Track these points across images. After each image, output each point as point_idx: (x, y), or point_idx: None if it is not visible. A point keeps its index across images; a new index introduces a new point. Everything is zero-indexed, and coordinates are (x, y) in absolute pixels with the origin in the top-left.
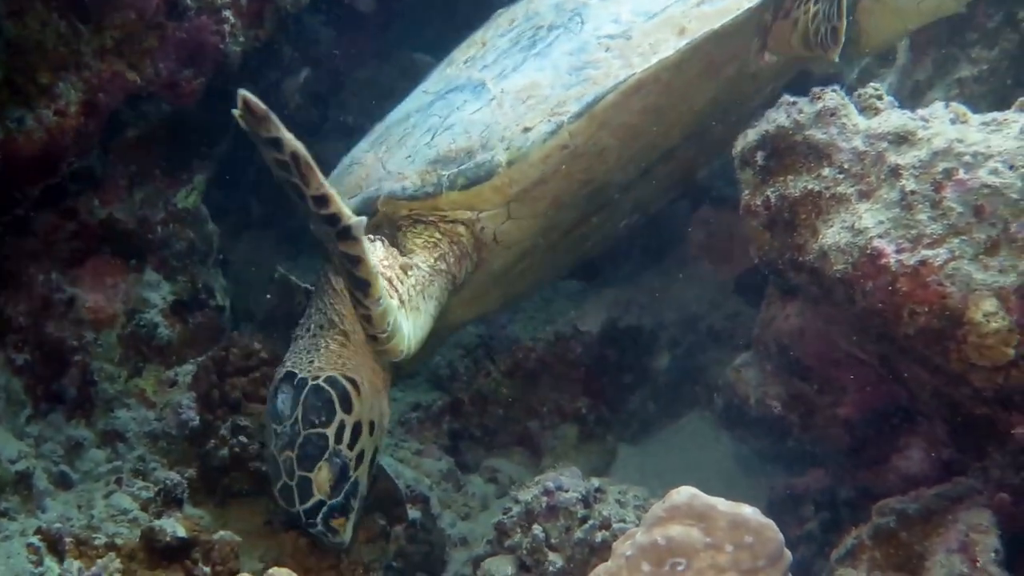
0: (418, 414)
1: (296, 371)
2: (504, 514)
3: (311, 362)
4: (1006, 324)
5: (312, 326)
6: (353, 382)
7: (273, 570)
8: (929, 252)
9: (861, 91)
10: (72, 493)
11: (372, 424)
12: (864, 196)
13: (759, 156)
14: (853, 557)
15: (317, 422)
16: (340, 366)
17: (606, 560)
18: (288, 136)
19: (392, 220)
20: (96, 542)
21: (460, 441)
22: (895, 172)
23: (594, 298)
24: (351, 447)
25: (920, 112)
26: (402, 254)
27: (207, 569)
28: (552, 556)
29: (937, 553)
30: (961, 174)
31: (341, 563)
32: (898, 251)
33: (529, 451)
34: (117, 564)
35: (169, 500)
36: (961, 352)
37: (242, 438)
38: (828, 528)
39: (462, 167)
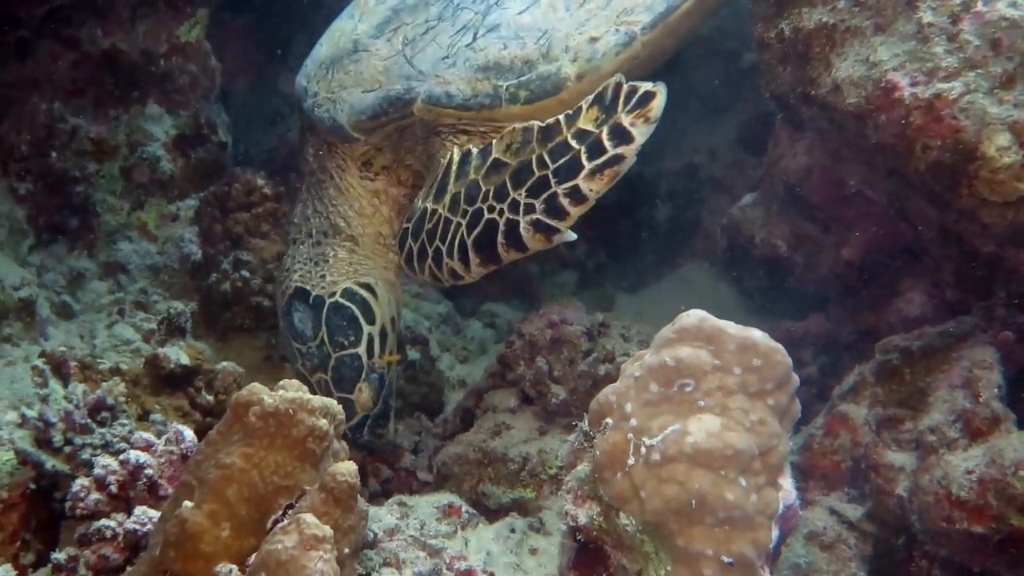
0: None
1: (308, 287)
2: (507, 347)
3: (322, 276)
4: (1019, 159)
5: (313, 231)
6: (368, 287)
7: (284, 381)
8: (944, 85)
9: None
10: (74, 323)
11: (393, 320)
12: (879, 29)
13: None
14: (855, 393)
15: (346, 343)
16: (352, 273)
17: None
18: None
19: (428, 125)
20: (101, 367)
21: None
22: (912, 4)
23: None
24: (381, 355)
25: None
26: (436, 161)
27: (210, 397)
28: (555, 388)
29: (940, 389)
30: (979, 6)
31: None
32: (912, 84)
33: (528, 297)
34: (122, 388)
35: (173, 329)
36: (972, 187)
37: (244, 272)
38: (827, 372)
39: (523, 78)
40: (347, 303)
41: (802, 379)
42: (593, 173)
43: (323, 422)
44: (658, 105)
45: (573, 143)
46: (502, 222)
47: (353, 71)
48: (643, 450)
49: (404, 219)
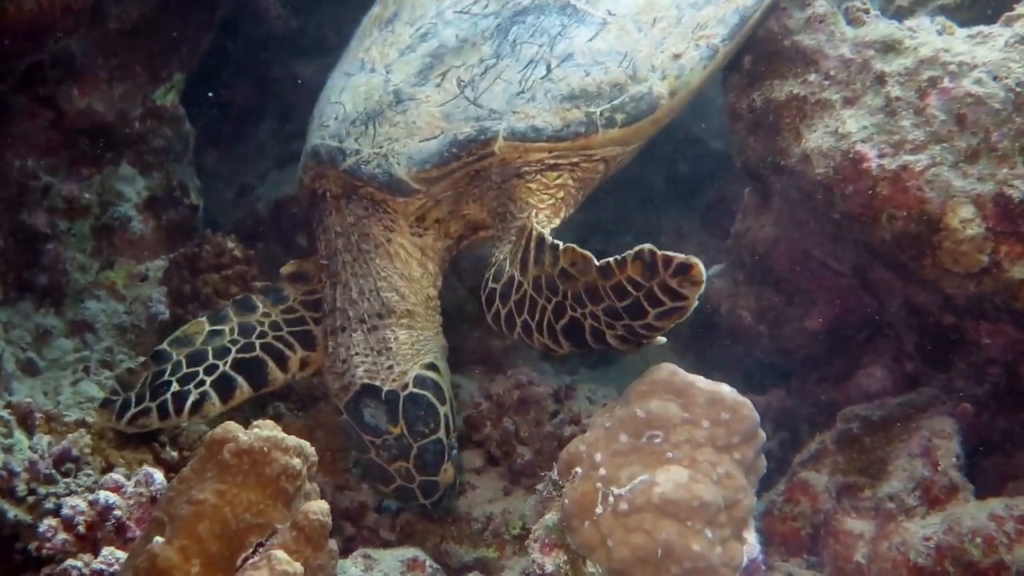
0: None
1: (377, 383)
2: (474, 408)
3: (389, 368)
4: (981, 231)
5: (365, 316)
6: (433, 367)
7: (258, 421)
8: (910, 157)
9: (848, 3)
10: (39, 379)
11: (451, 387)
12: (849, 102)
13: (746, 59)
14: (816, 461)
15: (427, 431)
16: (415, 355)
17: None
18: None
19: (509, 165)
20: (66, 419)
21: None
22: (880, 79)
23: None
24: (454, 429)
25: (907, 23)
26: (517, 206)
27: (174, 453)
28: (521, 449)
29: (900, 457)
30: (946, 83)
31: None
32: (880, 156)
33: (491, 369)
34: (87, 440)
35: None
36: (936, 258)
37: None
38: (787, 446)
39: (615, 102)
40: (421, 392)
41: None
42: (659, 317)
43: (296, 461)
44: (700, 272)
45: (629, 288)
46: (587, 326)
47: (402, 122)
48: (611, 499)
49: (487, 277)
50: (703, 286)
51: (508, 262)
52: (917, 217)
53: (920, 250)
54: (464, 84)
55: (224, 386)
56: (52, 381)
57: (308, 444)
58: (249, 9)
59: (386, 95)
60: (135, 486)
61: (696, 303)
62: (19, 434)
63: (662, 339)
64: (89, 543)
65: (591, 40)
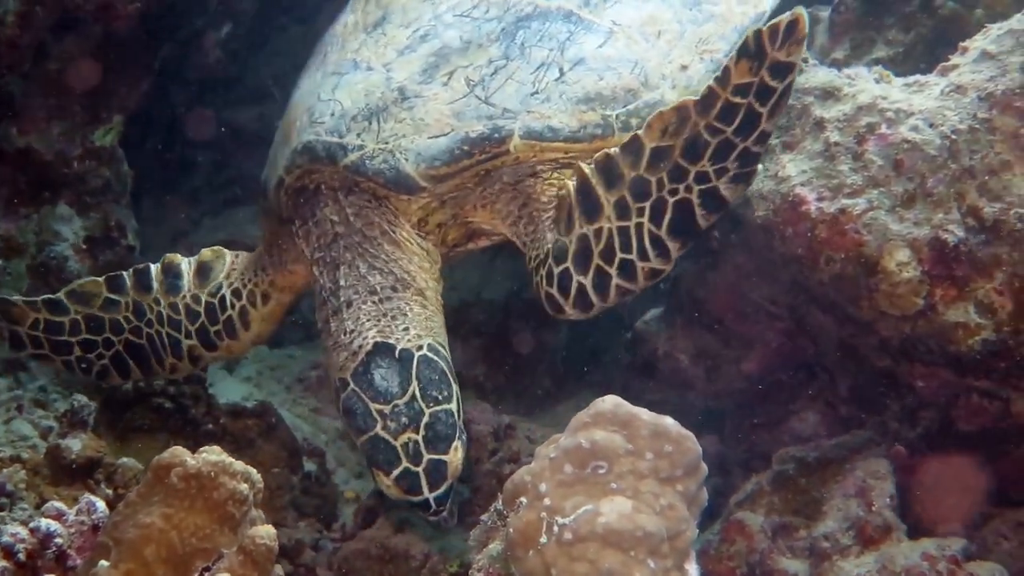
0: (318, 372)
1: (391, 341)
2: None
3: (405, 329)
4: (917, 274)
5: (377, 287)
6: (446, 348)
7: (205, 447)
8: (848, 201)
9: None
10: None
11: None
12: (788, 147)
13: None
14: (752, 501)
15: (440, 397)
16: (430, 330)
17: None
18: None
19: (523, 165)
20: (1, 455)
21: None
22: (820, 125)
23: (499, 266)
24: (460, 420)
25: (846, 71)
26: (543, 203)
27: (109, 491)
28: (459, 487)
29: (834, 497)
30: (883, 129)
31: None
32: (819, 199)
33: None
34: (22, 475)
35: (75, 422)
36: (872, 300)
37: None
38: (719, 491)
39: (630, 107)
40: (436, 358)
41: None
42: (772, 112)
43: (244, 486)
44: (803, 25)
45: (737, 99)
46: (695, 197)
47: (409, 118)
48: (556, 529)
49: (536, 262)
50: (804, 44)
51: (558, 234)
52: (855, 259)
53: (857, 292)
54: (474, 83)
55: (120, 366)
56: None
57: (254, 471)
58: (189, 54)
59: (390, 92)
60: (77, 514)
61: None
62: None
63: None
64: (29, 571)
65: (601, 47)
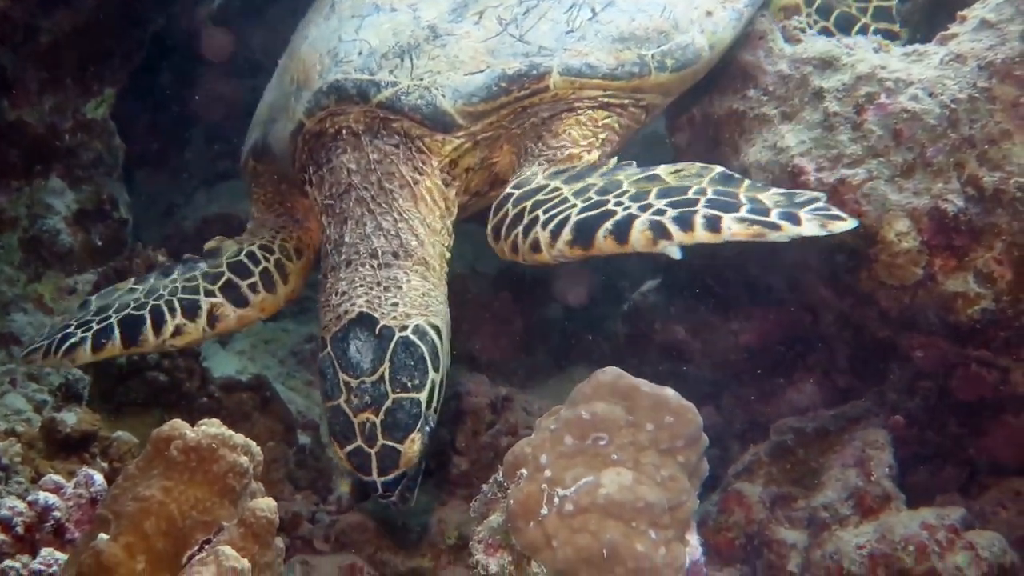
0: (312, 345)
1: (376, 315)
2: None
3: (394, 304)
4: (916, 244)
5: (378, 251)
6: (437, 330)
7: (205, 420)
8: (848, 171)
9: (785, 23)
10: None
11: (447, 371)
12: (787, 117)
13: None
14: (750, 472)
15: (410, 385)
16: (424, 308)
17: None
18: None
19: (560, 102)
20: None
21: None
22: (819, 95)
23: None
24: (436, 408)
25: (844, 41)
26: (557, 139)
27: (105, 464)
28: (456, 459)
29: (833, 468)
30: (883, 99)
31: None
32: (818, 169)
33: None
34: (17, 448)
35: (70, 395)
36: (871, 270)
37: None
38: (717, 463)
39: (663, 47)
40: (418, 342)
41: None
42: (743, 220)
43: (244, 459)
44: (844, 227)
45: (743, 197)
46: (620, 212)
47: (443, 55)
48: (556, 500)
49: (511, 186)
50: (839, 230)
51: (541, 176)
52: (854, 230)
53: (856, 263)
54: (506, 22)
55: (99, 337)
56: None
57: (254, 443)
58: (180, 27)
59: (420, 30)
60: (75, 487)
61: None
62: None
63: (678, 251)
64: (27, 544)
65: None
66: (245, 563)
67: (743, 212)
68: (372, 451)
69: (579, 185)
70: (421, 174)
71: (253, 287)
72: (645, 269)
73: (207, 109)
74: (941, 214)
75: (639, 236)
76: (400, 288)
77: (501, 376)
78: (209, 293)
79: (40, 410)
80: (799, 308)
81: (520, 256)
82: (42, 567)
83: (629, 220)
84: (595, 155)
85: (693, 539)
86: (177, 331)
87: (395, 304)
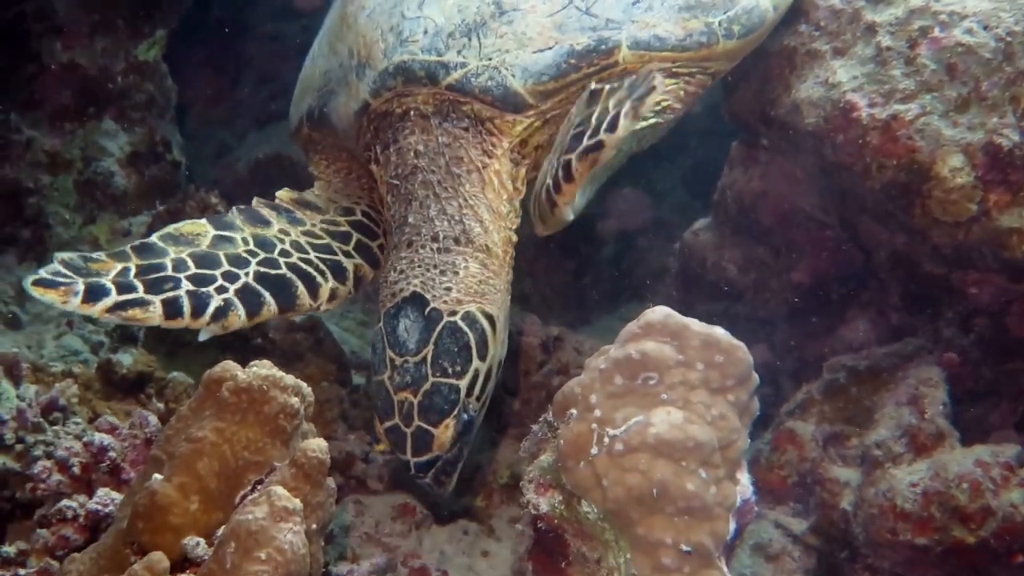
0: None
1: (427, 296)
2: None
3: (447, 288)
4: (971, 180)
5: (440, 235)
6: (491, 319)
7: (256, 361)
8: (901, 107)
9: None
10: (22, 334)
11: (500, 364)
12: (839, 53)
13: None
14: (803, 411)
15: (451, 371)
16: (479, 295)
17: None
18: None
19: (630, 73)
20: (53, 370)
21: None
22: (871, 29)
23: None
24: (479, 397)
25: None
26: None
27: (160, 405)
28: (508, 399)
29: (886, 406)
30: (936, 32)
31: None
32: (870, 105)
33: None
34: (74, 389)
35: (125, 336)
36: (925, 207)
37: None
38: (770, 402)
39: (729, 13)
40: (466, 329)
41: None
42: (583, 154)
43: (295, 400)
44: (650, 103)
45: (593, 121)
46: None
47: (510, 32)
48: (607, 440)
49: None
50: (638, 123)
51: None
52: (907, 166)
53: (909, 199)
54: None
55: (251, 299)
56: (35, 335)
57: (305, 385)
58: None
59: (485, 6)
60: (130, 428)
61: (614, 152)
62: (6, 384)
63: (569, 214)
64: (84, 484)
65: None
66: (297, 503)
67: (581, 146)
68: (408, 431)
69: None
70: (490, 157)
71: (382, 247)
72: (695, 207)
73: (259, 50)
74: (996, 149)
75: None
76: (457, 273)
77: (553, 315)
78: (347, 254)
79: (97, 351)
80: (851, 244)
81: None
82: (99, 506)
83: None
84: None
85: (744, 478)
86: (332, 295)
87: (448, 288)
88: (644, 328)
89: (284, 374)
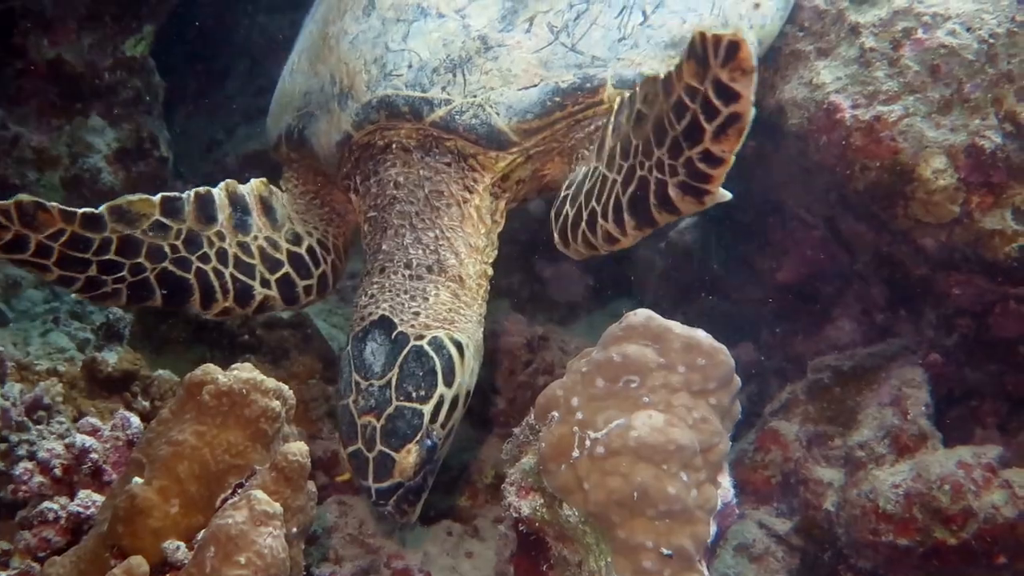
0: (352, 282)
1: (395, 319)
2: None
3: (415, 313)
4: (953, 182)
5: (413, 262)
6: (459, 346)
7: (237, 364)
8: (884, 108)
9: None
10: (7, 331)
11: (468, 393)
12: (823, 54)
13: None
14: (787, 411)
15: (415, 395)
16: (448, 322)
17: None
18: None
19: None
20: (38, 368)
21: None
22: (855, 30)
23: None
24: (444, 425)
25: None
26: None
27: (146, 403)
28: (494, 399)
29: (869, 406)
30: (920, 34)
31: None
32: (854, 106)
33: None
34: (59, 388)
35: (111, 334)
36: (908, 208)
37: None
38: (755, 400)
39: None
40: (432, 354)
41: None
42: (717, 136)
43: (276, 403)
44: (747, 54)
45: (687, 100)
46: (652, 180)
47: (495, 69)
48: (588, 443)
49: (563, 189)
50: (755, 77)
51: (585, 163)
52: (890, 167)
53: (892, 200)
54: (557, 29)
55: (140, 293)
56: (21, 332)
57: (286, 387)
58: None
59: (470, 41)
60: (112, 430)
61: (753, 110)
62: None
63: (726, 193)
64: (65, 486)
65: None
66: (277, 506)
67: (710, 128)
68: (371, 455)
69: (606, 154)
70: (471, 192)
71: (308, 290)
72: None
73: (247, 44)
74: (978, 151)
75: (685, 204)
76: (427, 299)
77: (539, 312)
78: (265, 284)
79: (83, 349)
80: (836, 245)
81: (600, 250)
82: (80, 509)
83: (663, 189)
84: None
85: (725, 481)
86: (224, 312)
87: (416, 313)
88: (626, 331)
89: (265, 377)
